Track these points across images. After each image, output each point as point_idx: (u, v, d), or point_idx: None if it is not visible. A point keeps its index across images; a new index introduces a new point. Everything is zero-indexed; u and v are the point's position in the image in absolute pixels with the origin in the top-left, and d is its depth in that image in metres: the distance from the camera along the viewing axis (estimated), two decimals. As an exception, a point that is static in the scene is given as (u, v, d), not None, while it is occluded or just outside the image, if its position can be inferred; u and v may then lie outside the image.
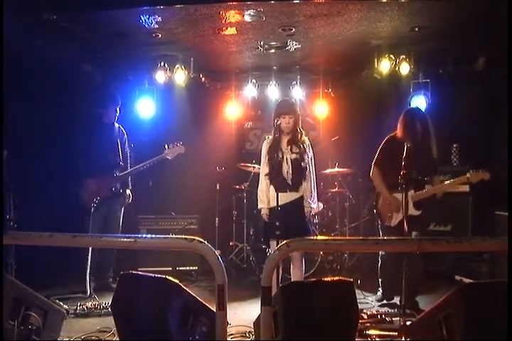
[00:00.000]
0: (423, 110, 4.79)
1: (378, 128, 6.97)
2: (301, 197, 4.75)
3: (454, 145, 6.50)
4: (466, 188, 6.28)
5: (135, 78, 7.37)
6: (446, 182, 4.84)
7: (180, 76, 7.03)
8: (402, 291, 4.03)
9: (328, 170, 7.09)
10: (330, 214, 7.22)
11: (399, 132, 4.76)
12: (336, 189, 7.08)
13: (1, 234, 2.62)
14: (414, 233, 4.48)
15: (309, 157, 4.84)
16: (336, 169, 6.95)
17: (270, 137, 4.87)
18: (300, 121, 4.85)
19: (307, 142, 4.88)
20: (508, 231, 4.79)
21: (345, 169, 6.94)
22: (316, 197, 4.84)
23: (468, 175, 4.59)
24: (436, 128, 6.27)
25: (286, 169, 4.57)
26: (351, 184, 7.24)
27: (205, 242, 2.43)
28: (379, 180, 4.92)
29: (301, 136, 4.84)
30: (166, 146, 5.85)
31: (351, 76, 7.61)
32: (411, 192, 4.60)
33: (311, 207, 4.78)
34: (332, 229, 7.05)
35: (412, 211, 4.60)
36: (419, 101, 6.96)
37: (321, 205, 6.86)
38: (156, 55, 6.72)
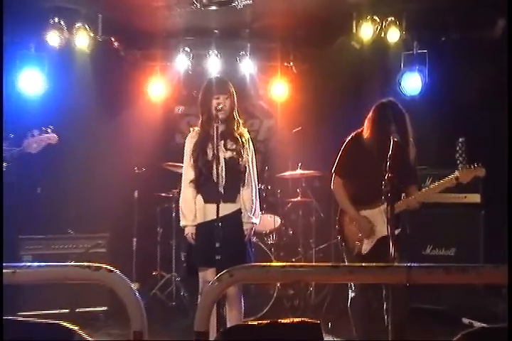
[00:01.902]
0: (399, 105, 4.80)
1: (356, 116, 6.91)
2: (239, 210, 4.75)
3: (460, 140, 6.54)
4: (476, 198, 6.28)
5: (17, 40, 7.00)
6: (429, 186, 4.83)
7: (83, 39, 6.89)
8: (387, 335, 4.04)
9: (287, 173, 7.09)
10: (290, 232, 7.23)
11: (366, 131, 4.83)
12: (299, 198, 7.10)
13: (1, 237, 2.31)
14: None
15: (249, 155, 4.83)
16: (299, 171, 6.97)
17: (196, 129, 4.86)
18: (236, 107, 4.83)
19: (246, 135, 4.86)
20: (508, 248, 4.94)
21: (311, 171, 6.97)
22: (258, 209, 4.86)
23: (456, 173, 4.65)
24: (435, 117, 6.19)
25: (219, 172, 4.55)
26: (319, 191, 7.28)
27: (117, 271, 2.30)
28: (342, 193, 4.92)
29: (238, 127, 4.82)
30: (31, 134, 5.42)
31: (320, 45, 7.63)
32: (383, 206, 4.58)
33: (252, 223, 4.77)
34: (293, 253, 7.06)
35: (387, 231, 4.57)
36: (413, 80, 7.03)
37: (277, 220, 6.91)
38: (49, 7, 6.57)
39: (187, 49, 7.65)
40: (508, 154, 4.97)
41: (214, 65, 7.64)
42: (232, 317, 4.69)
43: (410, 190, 4.78)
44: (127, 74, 7.91)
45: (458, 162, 6.61)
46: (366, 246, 4.80)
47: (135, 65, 7.99)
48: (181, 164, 6.54)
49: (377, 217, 4.73)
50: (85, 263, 2.34)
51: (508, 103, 5.46)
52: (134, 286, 2.32)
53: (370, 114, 4.81)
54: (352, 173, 4.83)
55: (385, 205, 4.40)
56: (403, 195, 4.76)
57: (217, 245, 4.34)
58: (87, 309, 6.36)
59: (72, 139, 5.93)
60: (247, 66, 7.77)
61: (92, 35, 6.92)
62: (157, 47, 7.68)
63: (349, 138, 4.91)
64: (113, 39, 7.41)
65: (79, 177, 7.25)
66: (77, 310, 6.25)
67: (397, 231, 4.49)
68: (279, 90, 7.93)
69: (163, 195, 7.12)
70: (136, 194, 7.14)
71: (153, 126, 7.96)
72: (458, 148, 6.61)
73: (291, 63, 7.92)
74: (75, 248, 6.51)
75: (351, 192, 4.88)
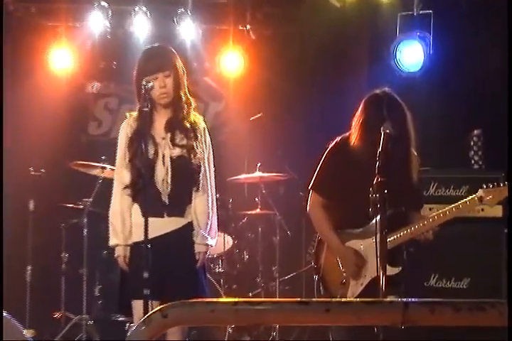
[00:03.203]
0: (398, 98, 4.77)
1: (336, 98, 6.87)
2: (189, 227, 4.72)
3: (475, 132, 6.59)
4: (496, 211, 6.23)
5: None
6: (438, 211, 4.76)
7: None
8: None
9: (242, 176, 7.15)
10: (246, 256, 7.29)
11: (354, 134, 4.83)
12: (258, 210, 7.16)
13: (1, 237, 2.27)
14: (395, 297, 4.35)
15: (205, 151, 4.84)
16: (258, 174, 7.00)
17: (134, 114, 4.80)
18: (185, 85, 4.81)
19: (201, 124, 4.85)
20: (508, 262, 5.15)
21: (274, 174, 7.04)
22: (215, 226, 4.86)
23: (480, 193, 4.66)
24: (441, 101, 6.22)
25: (163, 176, 4.61)
26: (285, 201, 7.38)
27: (4, 313, 2.22)
28: (322, 216, 4.87)
29: (188, 113, 4.80)
30: None
31: (288, 2, 7.72)
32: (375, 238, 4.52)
33: (208, 245, 4.77)
34: (250, 285, 7.15)
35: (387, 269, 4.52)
36: (413, 51, 7.01)
37: (229, 241, 6.95)
38: None
39: (104, 3, 7.54)
40: (508, 155, 5.08)
41: (142, 26, 7.57)
42: None
43: (414, 216, 4.79)
44: (18, 37, 7.76)
45: (472, 162, 6.70)
46: (354, 290, 4.76)
47: (30, 25, 7.87)
48: (95, 163, 6.66)
49: (370, 249, 4.65)
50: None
51: (508, 102, 5.59)
52: (28, 334, 2.28)
53: (359, 110, 4.80)
54: (336, 191, 4.82)
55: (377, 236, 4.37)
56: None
57: (160, 272, 4.36)
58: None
59: None
60: (188, 29, 7.68)
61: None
62: (62, 0, 7.60)
63: (333, 144, 4.90)
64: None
65: None
66: None
67: (395, 271, 4.56)
68: (231, 63, 7.89)
69: (71, 206, 7.01)
70: (31, 205, 6.92)
71: (57, 110, 7.81)
72: (472, 144, 6.63)
73: (248, 26, 7.88)
74: None
75: (335, 215, 4.85)
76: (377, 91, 4.74)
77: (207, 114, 8.28)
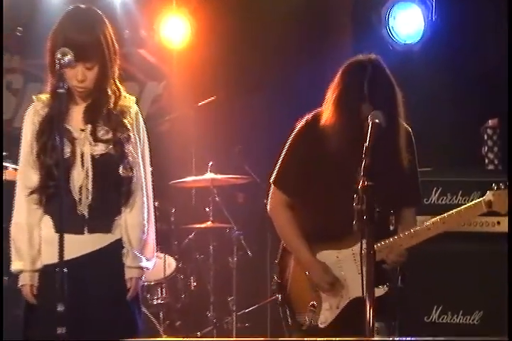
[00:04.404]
0: (383, 65, 4.75)
1: (311, 79, 6.96)
2: (118, 245, 4.69)
3: (489, 123, 6.65)
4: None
5: None
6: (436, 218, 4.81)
7: None
8: None
9: (189, 179, 7.21)
10: (193, 283, 7.32)
11: (327, 111, 4.83)
12: (209, 223, 7.20)
13: (1, 235, 4.36)
14: (380, 324, 4.53)
15: (139, 146, 4.79)
16: (210, 175, 7.06)
17: (44, 98, 4.72)
18: (115, 69, 4.68)
19: (133, 108, 4.78)
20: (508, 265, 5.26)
21: (229, 176, 7.12)
22: (153, 244, 4.83)
23: (489, 196, 4.73)
24: (446, 82, 6.36)
25: (81, 180, 4.51)
26: (245, 211, 7.50)
27: None
28: (286, 220, 4.96)
29: (116, 100, 4.72)
30: None
31: None
32: (358, 246, 4.55)
33: (142, 268, 4.73)
34: (199, 321, 7.18)
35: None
36: (410, 18, 7.10)
37: (171, 263, 7.00)
38: None
39: None
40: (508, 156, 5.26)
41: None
42: None
43: (405, 215, 4.84)
44: None
45: (486, 161, 6.73)
46: (327, 315, 4.79)
47: None
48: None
49: (348, 263, 4.74)
50: None
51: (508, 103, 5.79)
52: None
53: (335, 81, 4.80)
54: (305, 187, 4.85)
55: (357, 245, 4.36)
56: (392, 225, 4.65)
57: (79, 304, 4.29)
58: None
59: None
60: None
61: None
62: None
63: (302, 124, 4.91)
64: None
65: None
66: None
67: (381, 291, 4.58)
68: (174, 30, 7.93)
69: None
70: None
71: None
72: (486, 137, 6.73)
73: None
74: None
75: (303, 217, 4.89)
76: (361, 56, 4.70)
77: (142, 98, 8.37)
